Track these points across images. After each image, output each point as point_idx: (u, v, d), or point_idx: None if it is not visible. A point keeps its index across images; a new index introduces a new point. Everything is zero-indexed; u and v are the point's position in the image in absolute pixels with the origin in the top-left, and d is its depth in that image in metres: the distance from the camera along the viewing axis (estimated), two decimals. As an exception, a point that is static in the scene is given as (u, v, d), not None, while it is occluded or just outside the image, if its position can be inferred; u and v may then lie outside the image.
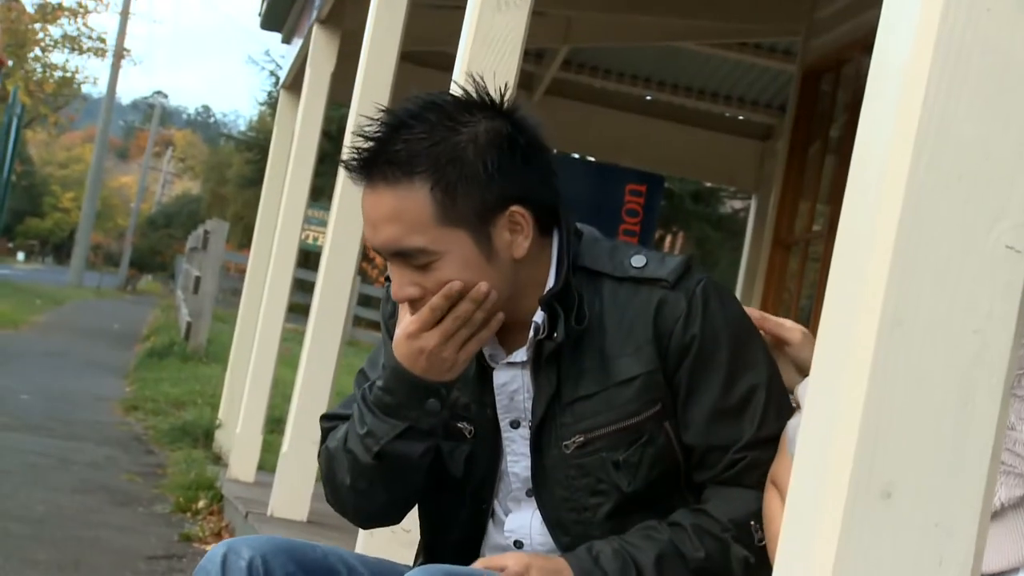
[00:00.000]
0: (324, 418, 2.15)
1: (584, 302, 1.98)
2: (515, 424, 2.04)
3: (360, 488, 2.03)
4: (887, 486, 1.05)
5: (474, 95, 1.95)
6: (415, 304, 1.91)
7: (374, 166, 1.90)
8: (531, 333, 1.97)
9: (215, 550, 1.98)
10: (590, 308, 1.98)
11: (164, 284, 46.88)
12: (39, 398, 9.98)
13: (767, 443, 1.97)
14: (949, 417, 1.06)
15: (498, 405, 2.03)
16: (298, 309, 15.80)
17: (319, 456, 2.12)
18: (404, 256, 1.89)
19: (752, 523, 1.95)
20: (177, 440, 8.49)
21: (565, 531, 2.02)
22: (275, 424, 8.43)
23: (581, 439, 1.99)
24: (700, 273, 2.01)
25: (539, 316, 1.96)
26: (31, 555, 5.00)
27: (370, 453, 1.98)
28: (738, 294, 8.31)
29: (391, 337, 2.00)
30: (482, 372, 2.03)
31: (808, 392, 1.14)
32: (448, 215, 1.88)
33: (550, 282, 1.97)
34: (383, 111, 1.94)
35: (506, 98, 1.95)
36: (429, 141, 1.89)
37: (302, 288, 15.97)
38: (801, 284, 7.15)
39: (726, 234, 20.27)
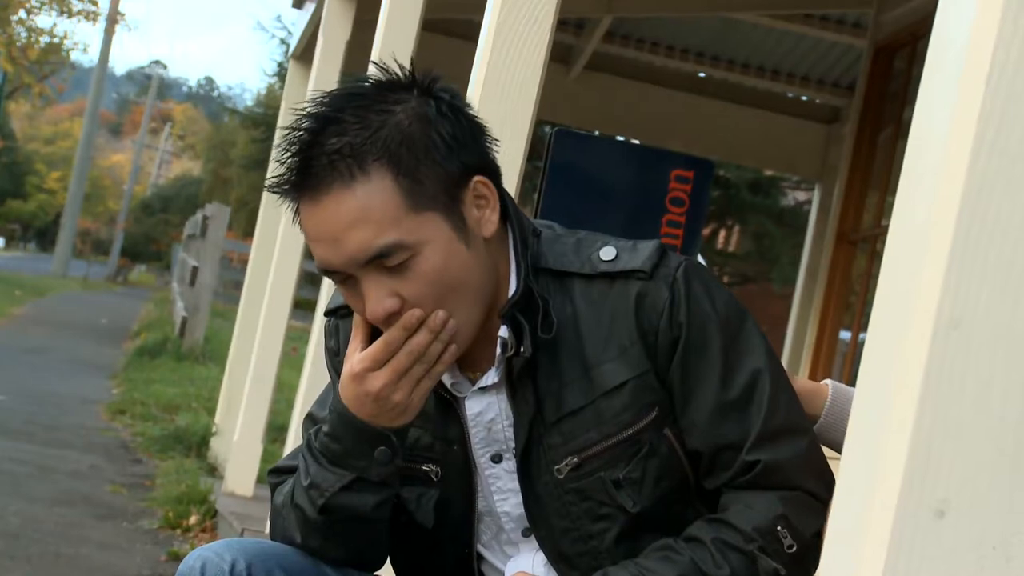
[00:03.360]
0: (272, 472, 2.15)
1: (551, 307, 1.96)
2: (497, 458, 2.02)
3: (313, 546, 2.03)
4: (940, 504, 1.06)
5: (392, 76, 1.93)
6: (391, 320, 1.89)
7: (313, 174, 1.87)
8: (498, 350, 1.96)
9: (194, 554, 1.98)
10: (560, 313, 1.97)
11: (158, 275, 47.16)
12: (17, 399, 10.05)
13: (781, 435, 1.94)
14: (1010, 429, 1.06)
15: (474, 439, 2.02)
16: (305, 305, 15.90)
17: (271, 515, 2.12)
18: (380, 260, 1.86)
19: (779, 528, 1.92)
20: (168, 448, 8.54)
21: (571, 566, 2.00)
22: (277, 432, 8.47)
23: (575, 460, 1.97)
24: (678, 257, 1.99)
25: (503, 331, 1.95)
26: (3, 572, 5.05)
27: (315, 507, 1.98)
28: (797, 295, 8.31)
29: (339, 376, 1.99)
30: (443, 405, 2.02)
31: (855, 400, 1.14)
32: (418, 200, 1.86)
33: (511, 291, 1.96)
34: (299, 116, 1.90)
35: (418, 75, 1.93)
36: (368, 129, 1.87)
37: (310, 282, 16.04)
38: (868, 285, 7.12)
39: (788, 229, 20.18)
